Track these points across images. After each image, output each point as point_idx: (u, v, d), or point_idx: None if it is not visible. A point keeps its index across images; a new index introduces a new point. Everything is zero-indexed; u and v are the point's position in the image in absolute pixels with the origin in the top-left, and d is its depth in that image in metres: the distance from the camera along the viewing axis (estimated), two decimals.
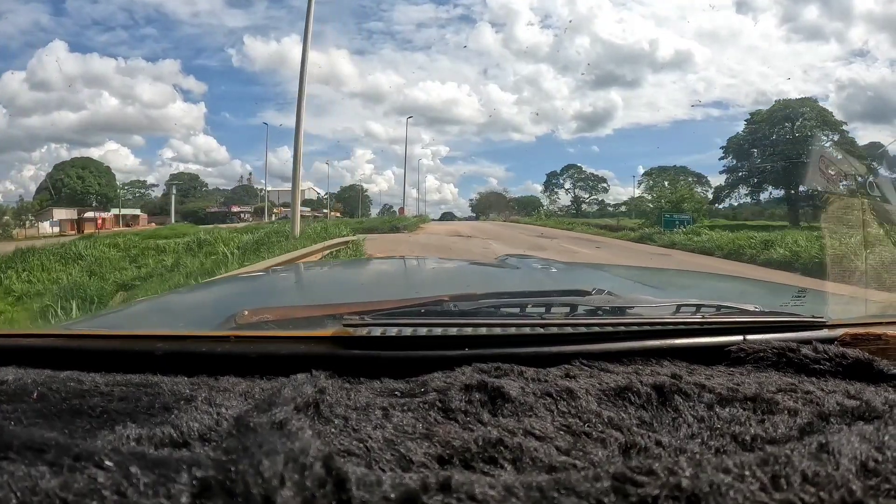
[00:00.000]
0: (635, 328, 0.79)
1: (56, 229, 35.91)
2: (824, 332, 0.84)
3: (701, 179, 33.40)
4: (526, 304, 0.96)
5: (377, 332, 0.74)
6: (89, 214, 39.36)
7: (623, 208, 36.47)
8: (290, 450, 0.34)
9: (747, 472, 0.34)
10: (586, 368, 0.68)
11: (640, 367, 0.70)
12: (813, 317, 0.90)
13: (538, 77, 43.40)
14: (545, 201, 40.82)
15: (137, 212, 44.47)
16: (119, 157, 45.82)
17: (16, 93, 42.26)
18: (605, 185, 39.64)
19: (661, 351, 0.75)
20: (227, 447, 0.35)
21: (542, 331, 0.79)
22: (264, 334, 0.84)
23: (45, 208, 38.60)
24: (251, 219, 40.46)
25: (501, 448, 0.47)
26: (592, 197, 39.96)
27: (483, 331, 0.78)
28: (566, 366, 0.69)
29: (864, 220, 1.40)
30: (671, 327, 0.81)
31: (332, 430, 0.51)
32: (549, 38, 41.85)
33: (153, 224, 41.60)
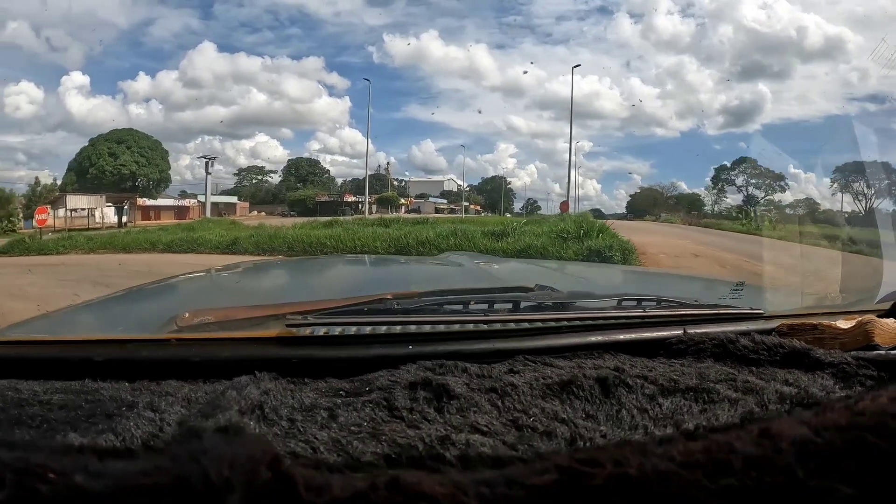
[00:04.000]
0: (578, 323, 0.81)
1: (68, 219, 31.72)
2: (762, 324, 0.87)
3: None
4: (469, 301, 0.96)
5: (320, 331, 0.73)
6: (152, 202, 36.51)
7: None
8: (236, 454, 0.33)
9: (691, 460, 0.35)
10: (530, 363, 0.69)
11: (584, 360, 0.71)
12: (751, 309, 0.93)
13: (680, 69, 41.66)
14: (708, 200, 37.13)
15: (234, 199, 43.08)
16: (269, 149, 47.91)
17: (170, 90, 45.62)
18: (782, 182, 34.74)
19: (603, 345, 0.76)
20: (171, 454, 0.34)
21: (485, 327, 0.79)
22: (206, 336, 0.81)
23: (58, 194, 34.10)
24: (376, 210, 37.95)
25: (448, 444, 0.47)
26: (767, 196, 35.53)
27: (427, 328, 0.78)
28: (510, 361, 0.69)
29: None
30: (613, 321, 0.82)
31: (278, 432, 0.50)
32: (691, 27, 40.37)
33: (256, 213, 39.53)
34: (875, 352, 0.75)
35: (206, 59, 46.47)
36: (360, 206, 39.49)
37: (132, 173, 40.21)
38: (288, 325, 0.74)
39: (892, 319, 0.82)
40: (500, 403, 0.56)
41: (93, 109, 45.05)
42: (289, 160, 47.00)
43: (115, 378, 0.64)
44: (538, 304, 0.97)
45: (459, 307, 0.94)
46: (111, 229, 27.60)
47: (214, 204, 39.86)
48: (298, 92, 47.28)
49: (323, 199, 41.59)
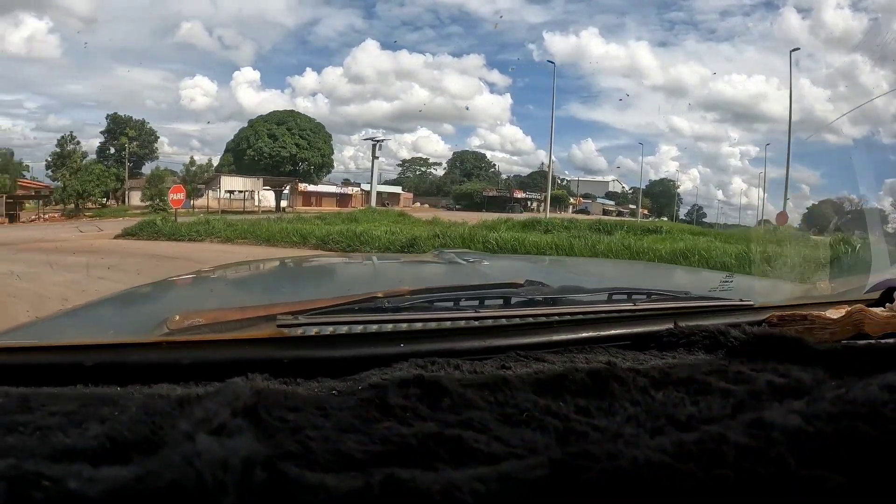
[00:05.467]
0: (568, 318, 0.81)
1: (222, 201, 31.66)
2: (752, 315, 0.87)
3: None
4: (459, 298, 0.96)
5: (312, 331, 0.73)
6: (314, 188, 35.93)
7: None
8: (229, 456, 0.33)
9: (684, 451, 0.35)
10: (522, 359, 0.69)
11: (575, 355, 0.71)
12: (741, 300, 0.94)
13: (853, 69, 36.70)
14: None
15: (398, 189, 43.29)
16: (430, 143, 49.70)
17: (335, 85, 50.49)
18: None
19: (595, 339, 0.76)
20: (165, 458, 0.34)
21: (476, 324, 0.79)
22: (198, 339, 0.81)
23: (213, 175, 34.16)
24: (541, 208, 36.75)
25: (441, 441, 0.47)
26: None
27: (418, 326, 0.78)
28: (502, 357, 0.69)
29: None
30: (604, 315, 0.83)
31: (271, 432, 0.49)
32: (863, 22, 38.13)
33: (419, 204, 39.16)
34: (865, 341, 0.76)
35: (370, 56, 49.90)
36: (528, 202, 38.65)
37: (292, 156, 39.64)
38: (279, 326, 0.74)
39: (881, 309, 0.83)
40: (492, 399, 0.56)
41: (262, 102, 49.40)
42: (454, 153, 47.41)
43: (107, 382, 0.64)
44: (528, 299, 0.97)
45: (450, 304, 0.94)
46: (269, 213, 25.90)
47: (378, 193, 39.44)
48: (459, 88, 49.59)
49: (491, 194, 40.62)
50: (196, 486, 0.31)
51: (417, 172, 48.24)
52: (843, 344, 0.73)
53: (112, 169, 36.57)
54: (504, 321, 0.79)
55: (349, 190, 40.44)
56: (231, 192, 32.96)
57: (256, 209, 30.37)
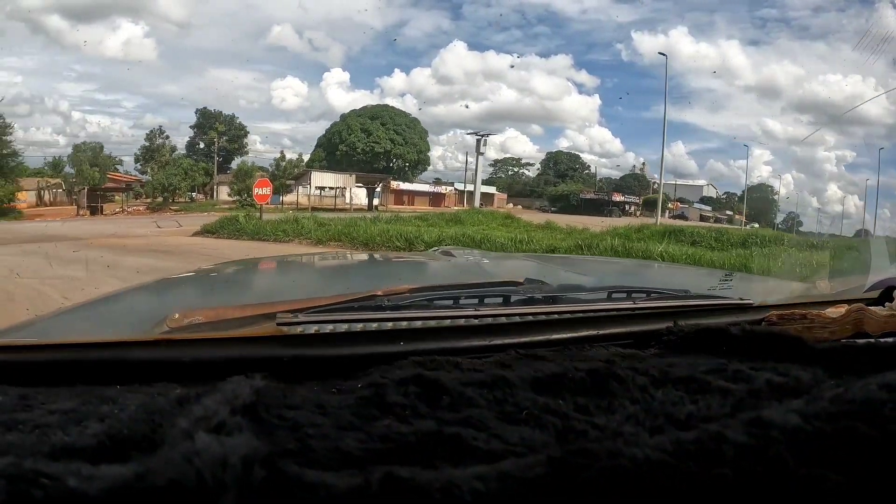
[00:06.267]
0: (568, 316, 0.81)
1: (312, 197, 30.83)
2: (752, 314, 0.87)
3: None
4: (459, 296, 0.96)
5: (311, 329, 0.73)
6: (406, 186, 34.94)
7: None
8: (229, 453, 0.33)
9: (683, 450, 0.35)
10: (521, 357, 0.69)
11: (575, 353, 0.71)
12: (740, 299, 0.94)
13: None
14: None
15: (492, 189, 42.52)
16: (518, 144, 49.63)
17: (423, 86, 50.93)
18: None
19: (594, 338, 0.76)
20: (164, 456, 0.34)
21: (476, 322, 0.79)
22: (197, 336, 0.81)
23: (303, 170, 33.61)
24: (638, 212, 35.70)
25: (440, 439, 0.47)
26: None
27: (417, 324, 0.78)
28: (501, 356, 0.69)
29: None
30: (603, 314, 0.83)
31: (271, 430, 0.50)
32: None
33: (511, 205, 38.04)
34: (865, 340, 0.76)
35: (457, 56, 50.29)
36: (626, 206, 37.14)
37: (386, 152, 39.14)
38: (279, 324, 0.73)
39: (881, 308, 0.83)
40: (491, 397, 0.56)
41: (352, 103, 50.18)
42: (547, 154, 46.72)
43: (106, 381, 0.64)
44: (528, 298, 0.97)
45: (450, 302, 0.94)
46: (361, 212, 24.62)
47: (471, 192, 38.66)
48: (548, 89, 49.49)
49: (588, 197, 39.20)
50: (195, 484, 0.31)
51: (510, 173, 47.67)
52: (842, 343, 0.73)
53: (200, 163, 36.78)
54: (504, 319, 0.79)
55: (442, 189, 39.68)
56: (321, 188, 32.44)
57: (348, 207, 29.78)
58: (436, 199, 38.07)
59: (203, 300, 1.45)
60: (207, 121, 40.85)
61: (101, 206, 30.66)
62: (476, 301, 0.95)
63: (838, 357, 0.66)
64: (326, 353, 0.70)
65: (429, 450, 0.46)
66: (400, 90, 51.06)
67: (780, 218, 39.98)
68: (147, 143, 37.92)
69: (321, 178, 32.49)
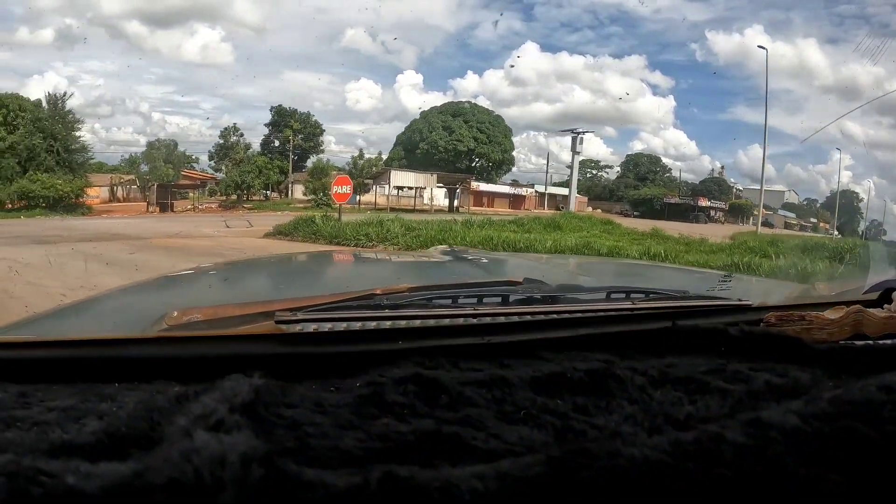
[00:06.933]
0: (567, 316, 0.81)
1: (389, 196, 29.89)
2: (751, 315, 0.87)
3: None
4: (458, 295, 0.96)
5: (310, 328, 0.72)
6: (485, 187, 33.44)
7: None
8: (228, 452, 0.33)
9: (682, 450, 0.35)
10: (520, 357, 0.69)
11: (574, 353, 0.70)
12: (739, 300, 0.94)
13: None
14: None
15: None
16: (592, 146, 48.29)
17: (496, 88, 51.81)
18: None
19: (593, 338, 0.76)
20: (163, 454, 0.34)
21: (475, 322, 0.79)
22: (196, 335, 0.81)
23: (382, 169, 32.74)
24: (723, 218, 34.10)
25: (439, 438, 0.47)
26: None
27: (416, 324, 0.78)
28: (500, 355, 0.69)
29: None
30: (602, 314, 0.83)
31: (269, 429, 0.50)
32: None
33: (591, 209, 36.42)
34: (863, 341, 0.76)
35: (530, 58, 50.61)
36: (711, 212, 34.99)
37: (469, 151, 38.09)
38: (278, 322, 0.73)
39: (880, 309, 0.83)
40: (490, 397, 0.56)
41: (424, 105, 49.17)
42: (627, 155, 45.62)
43: (105, 378, 0.64)
44: (527, 297, 0.97)
45: (448, 302, 0.94)
46: (441, 213, 23.30)
47: (552, 195, 37.57)
48: (621, 90, 49.09)
49: (672, 201, 37.49)
50: (194, 482, 0.31)
51: (588, 175, 46.24)
52: (841, 344, 0.73)
53: (275, 161, 36.63)
54: (503, 319, 0.79)
55: (522, 190, 38.58)
56: (399, 188, 31.68)
57: (428, 208, 28.99)
58: (515, 201, 37.00)
59: (202, 298, 1.45)
60: (283, 118, 40.60)
61: (172, 203, 30.59)
62: (475, 300, 0.95)
63: (837, 358, 0.67)
64: (325, 351, 0.70)
65: (427, 449, 0.46)
66: (473, 92, 51.57)
67: (863, 226, 38.30)
68: (221, 141, 37.84)
69: (401, 178, 31.52)
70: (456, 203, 32.17)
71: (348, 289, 1.02)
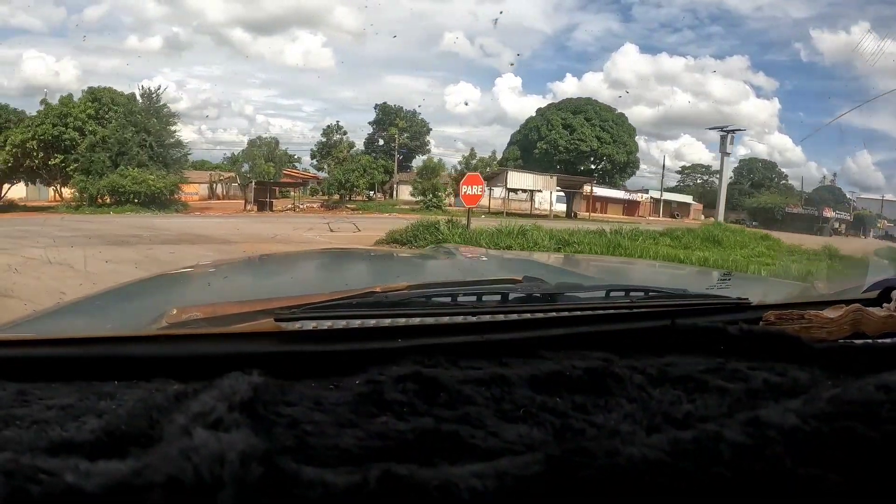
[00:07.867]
0: (566, 315, 0.81)
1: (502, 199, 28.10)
2: (750, 313, 0.87)
3: None
4: (457, 293, 0.96)
5: (309, 326, 0.72)
6: (599, 191, 31.10)
7: None
8: (227, 450, 0.33)
9: (681, 449, 0.35)
10: (519, 355, 0.69)
11: (573, 352, 0.70)
12: (738, 299, 0.94)
13: None
14: None
15: (688, 199, 39.39)
16: (694, 151, 47.04)
17: (595, 90, 49.10)
18: None
19: (592, 336, 0.76)
20: (162, 452, 0.34)
21: (474, 320, 0.79)
22: (195, 332, 0.81)
23: (498, 169, 30.85)
24: (845, 231, 31.44)
25: (438, 437, 0.47)
26: None
27: (416, 322, 0.78)
28: (499, 354, 0.69)
29: None
30: (601, 312, 0.83)
31: (268, 427, 0.50)
32: None
33: (704, 217, 33.87)
34: (862, 340, 0.76)
35: (629, 60, 49.07)
36: (833, 223, 31.65)
37: (592, 151, 35.71)
38: (277, 320, 0.73)
39: (879, 308, 0.83)
40: (489, 395, 0.56)
41: (523, 108, 52.33)
42: (740, 160, 42.49)
43: (104, 376, 0.63)
44: (526, 296, 0.98)
45: (448, 300, 0.94)
46: (560, 220, 21.89)
47: (666, 202, 35.18)
48: (723, 92, 46.85)
49: (794, 211, 34.05)
50: (193, 480, 0.31)
51: (698, 181, 44.07)
52: (840, 343, 0.73)
53: (380, 160, 35.81)
54: (502, 317, 0.79)
55: (637, 196, 36.28)
56: (513, 190, 29.70)
57: (547, 213, 27.44)
58: (630, 207, 34.90)
59: (201, 296, 1.45)
60: (387, 116, 39.60)
61: (271, 202, 30.02)
62: (474, 299, 0.95)
63: (836, 357, 0.67)
64: (324, 349, 0.70)
65: (426, 447, 0.46)
66: (571, 94, 48.51)
67: None
68: (324, 140, 37.09)
69: (518, 179, 29.53)
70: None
71: (348, 287, 1.02)
